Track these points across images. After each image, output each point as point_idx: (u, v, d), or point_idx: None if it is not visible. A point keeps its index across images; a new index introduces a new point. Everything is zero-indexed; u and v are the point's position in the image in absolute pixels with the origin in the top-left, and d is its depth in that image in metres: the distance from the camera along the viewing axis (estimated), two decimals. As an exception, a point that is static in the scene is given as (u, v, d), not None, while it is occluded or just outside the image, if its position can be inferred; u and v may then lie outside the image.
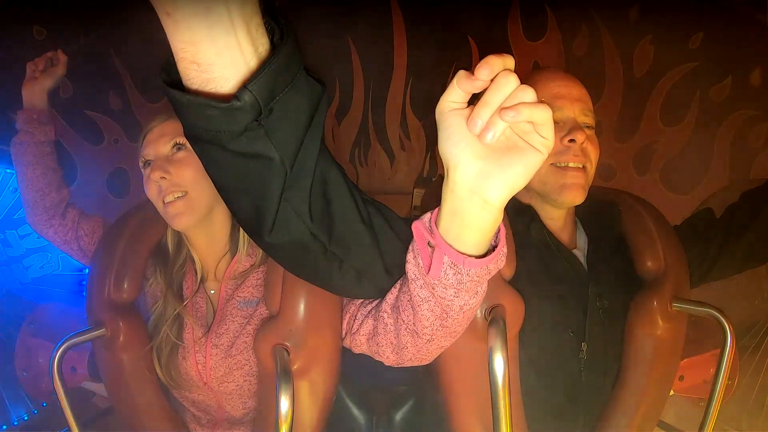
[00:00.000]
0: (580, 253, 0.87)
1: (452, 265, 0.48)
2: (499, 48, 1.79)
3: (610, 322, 0.82)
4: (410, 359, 0.63)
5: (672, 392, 0.91)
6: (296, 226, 0.47)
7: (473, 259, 0.48)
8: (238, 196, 0.46)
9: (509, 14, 1.81)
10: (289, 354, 0.70)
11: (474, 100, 0.45)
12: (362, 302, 0.69)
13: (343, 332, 0.72)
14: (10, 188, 1.68)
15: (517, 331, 0.73)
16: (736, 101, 1.72)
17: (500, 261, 0.51)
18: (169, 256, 0.88)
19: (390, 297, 0.60)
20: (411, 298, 0.54)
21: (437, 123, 0.47)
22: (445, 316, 0.54)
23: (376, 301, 0.65)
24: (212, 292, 0.87)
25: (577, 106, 0.81)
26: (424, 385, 1.03)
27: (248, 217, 0.47)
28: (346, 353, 0.75)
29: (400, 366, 0.66)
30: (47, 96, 1.01)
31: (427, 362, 0.65)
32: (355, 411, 1.06)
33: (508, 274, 0.73)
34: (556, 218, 0.86)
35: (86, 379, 1.16)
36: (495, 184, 0.44)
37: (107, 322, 0.81)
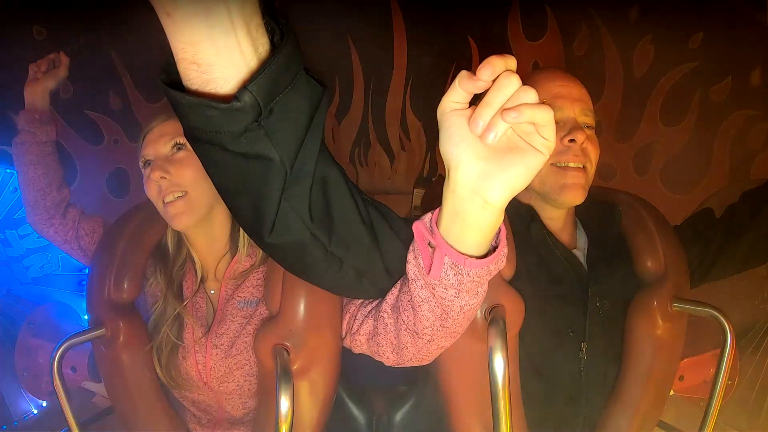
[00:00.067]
0: (580, 253, 0.87)
1: (453, 266, 0.48)
2: (499, 48, 1.80)
3: (610, 322, 0.82)
4: (410, 359, 0.63)
5: (672, 392, 0.91)
6: (296, 226, 0.47)
7: (474, 259, 0.48)
8: (238, 196, 0.46)
9: (509, 14, 1.81)
10: (289, 354, 0.70)
11: (476, 100, 0.45)
12: (362, 302, 0.69)
13: (343, 332, 0.72)
14: (10, 188, 1.68)
15: (517, 331, 0.73)
16: (736, 101, 1.72)
17: (501, 261, 0.51)
18: (169, 256, 0.88)
19: (390, 297, 0.60)
20: (411, 299, 0.54)
21: (439, 123, 0.47)
22: (445, 316, 0.54)
23: (376, 302, 0.65)
24: (212, 292, 0.87)
25: (577, 106, 0.81)
26: (424, 385, 1.03)
27: (248, 218, 0.47)
28: (346, 353, 0.75)
29: (400, 366, 0.66)
30: (49, 97, 1.01)
31: (427, 362, 0.64)
32: (355, 411, 1.06)
33: (508, 274, 0.73)
34: (556, 218, 0.86)
35: (86, 379, 1.16)
36: (496, 185, 0.44)
37: (107, 322, 0.81)
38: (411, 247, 0.53)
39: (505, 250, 0.51)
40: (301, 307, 0.70)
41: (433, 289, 0.51)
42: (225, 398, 0.85)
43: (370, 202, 0.55)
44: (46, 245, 1.61)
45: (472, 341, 0.69)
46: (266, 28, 0.39)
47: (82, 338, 0.80)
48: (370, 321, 0.66)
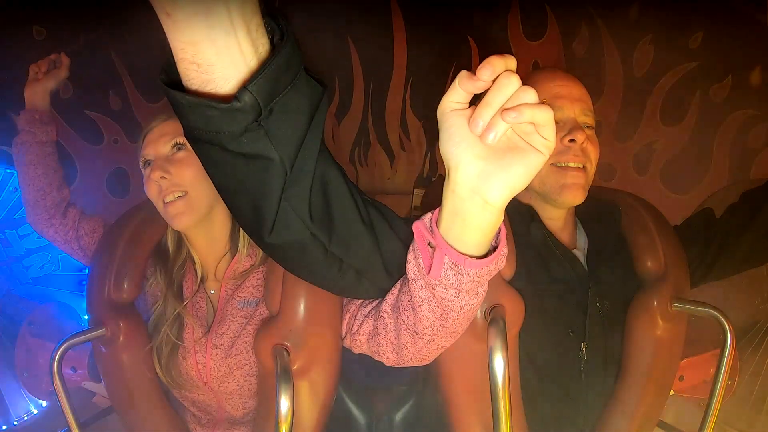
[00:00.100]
0: (580, 253, 0.87)
1: (453, 266, 0.48)
2: (499, 48, 1.80)
3: (610, 322, 0.82)
4: (410, 359, 0.63)
5: (672, 392, 0.91)
6: (296, 226, 0.47)
7: (474, 259, 0.48)
8: (237, 196, 0.46)
9: (509, 14, 1.81)
10: (289, 354, 0.70)
11: (476, 100, 0.45)
12: (362, 302, 0.69)
13: (343, 332, 0.72)
14: (10, 188, 1.68)
15: (517, 331, 0.73)
16: (736, 101, 1.72)
17: (501, 261, 0.51)
18: (169, 256, 0.88)
19: (390, 297, 0.60)
20: (411, 299, 0.54)
21: (439, 123, 0.47)
22: (445, 316, 0.54)
23: (376, 301, 0.65)
24: (212, 292, 0.87)
25: (577, 106, 0.81)
26: (424, 385, 1.03)
27: (248, 218, 0.47)
28: (346, 353, 0.75)
29: (400, 366, 0.66)
30: (49, 97, 1.01)
31: (427, 362, 0.64)
32: (355, 411, 1.06)
33: (508, 274, 0.73)
34: (556, 218, 0.86)
35: (86, 379, 1.16)
36: (496, 185, 0.44)
37: (107, 322, 0.81)
38: (411, 247, 0.53)
39: (505, 250, 0.51)
40: (301, 307, 0.70)
41: (433, 289, 0.51)
42: (225, 398, 0.85)
43: (370, 202, 0.55)
44: (46, 245, 1.61)
45: (472, 341, 0.69)
46: (266, 28, 0.39)
47: (82, 338, 0.80)
48: (370, 321, 0.66)
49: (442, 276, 0.49)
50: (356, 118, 1.89)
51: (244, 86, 0.37)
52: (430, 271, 0.50)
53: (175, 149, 0.82)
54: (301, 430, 0.73)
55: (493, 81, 0.42)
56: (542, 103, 0.42)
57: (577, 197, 0.80)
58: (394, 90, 1.87)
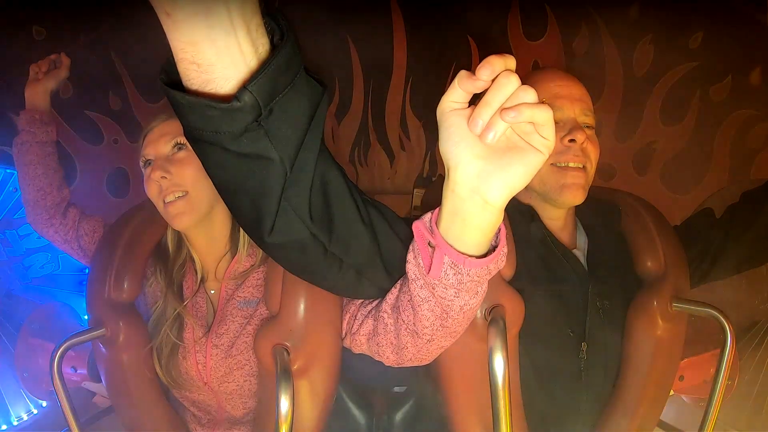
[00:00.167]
0: (580, 253, 0.87)
1: (453, 265, 0.48)
2: (499, 48, 1.80)
3: (610, 322, 0.82)
4: (410, 359, 0.63)
5: (672, 392, 0.91)
6: (296, 226, 0.47)
7: (474, 259, 0.48)
8: (238, 196, 0.46)
9: (509, 14, 1.81)
10: (289, 354, 0.70)
11: (475, 100, 0.45)
12: (362, 302, 0.69)
13: (343, 332, 0.72)
14: (10, 188, 1.68)
15: (517, 331, 0.73)
16: (736, 101, 1.72)
17: (500, 261, 0.51)
18: (169, 256, 0.88)
19: (390, 297, 0.60)
20: (411, 298, 0.54)
21: (438, 123, 0.47)
22: (445, 316, 0.54)
23: (376, 301, 0.65)
24: (212, 292, 0.87)
25: (577, 106, 0.81)
26: (424, 385, 1.03)
27: (248, 218, 0.47)
28: (346, 353, 0.75)
29: (400, 366, 0.66)
30: (49, 97, 1.01)
31: (427, 362, 0.65)
32: (355, 411, 1.06)
33: (508, 274, 0.73)
34: (556, 218, 0.86)
35: (86, 379, 1.16)
36: (495, 184, 0.44)
37: (107, 322, 0.81)
38: (411, 247, 0.53)
39: (505, 250, 0.51)
40: (301, 307, 0.70)
41: (433, 288, 0.51)
42: (225, 398, 0.85)
43: (370, 202, 0.55)
44: (46, 245, 1.61)
45: (472, 341, 0.69)
46: (266, 28, 0.39)
47: (82, 338, 0.80)
48: (370, 321, 0.66)
49: (441, 275, 0.49)
50: (356, 118, 1.89)
51: (244, 86, 0.37)
52: (429, 270, 0.50)
53: (175, 149, 0.82)
54: (301, 430, 0.73)
55: (493, 81, 0.42)
56: (541, 102, 0.42)
57: (577, 197, 0.80)
58: (394, 90, 1.87)
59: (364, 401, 1.07)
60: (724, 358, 0.79)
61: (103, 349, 0.83)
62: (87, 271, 0.90)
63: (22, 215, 1.64)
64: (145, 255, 0.87)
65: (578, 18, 1.78)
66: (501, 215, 0.47)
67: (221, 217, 0.85)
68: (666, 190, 1.81)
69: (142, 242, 0.87)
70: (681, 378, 1.13)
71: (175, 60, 0.37)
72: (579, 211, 0.91)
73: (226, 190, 0.47)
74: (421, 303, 0.53)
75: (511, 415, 0.62)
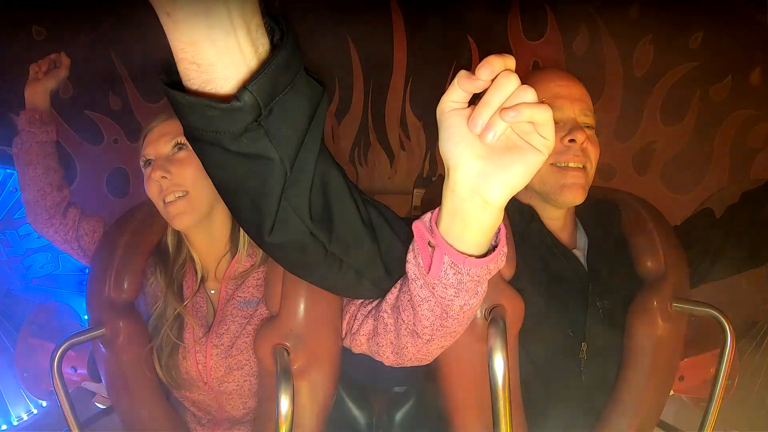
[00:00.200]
0: (580, 253, 0.87)
1: (452, 265, 0.48)
2: (499, 48, 1.80)
3: (610, 322, 0.82)
4: (410, 359, 0.63)
5: (672, 392, 0.91)
6: (296, 226, 0.47)
7: (473, 258, 0.48)
8: (237, 196, 0.46)
9: (509, 14, 1.81)
10: (289, 354, 0.70)
11: (475, 99, 0.45)
12: (362, 302, 0.69)
13: (343, 332, 0.72)
14: (10, 188, 1.68)
15: (517, 331, 0.73)
16: (736, 101, 1.73)
17: (500, 261, 0.51)
18: (169, 256, 0.88)
19: (390, 297, 0.60)
20: (411, 298, 0.54)
21: (438, 123, 0.47)
22: (445, 316, 0.54)
23: (376, 301, 0.65)
24: (212, 292, 0.87)
25: (577, 106, 0.81)
26: (424, 385, 1.03)
27: (248, 217, 0.47)
28: (346, 353, 0.75)
29: (400, 366, 0.66)
30: (49, 97, 1.01)
31: (427, 362, 0.65)
32: (355, 411, 1.06)
33: (508, 274, 0.73)
34: (556, 218, 0.86)
35: (86, 379, 1.16)
36: (495, 184, 0.44)
37: (107, 322, 0.81)
38: (411, 247, 0.53)
39: (505, 250, 0.51)
40: (301, 307, 0.70)
41: (433, 288, 0.51)
42: (225, 398, 0.85)
43: (370, 202, 0.55)
44: (46, 245, 1.61)
45: (472, 341, 0.69)
46: (266, 28, 0.39)
47: (82, 338, 0.80)
48: (370, 321, 0.66)
49: (441, 275, 0.49)
50: (356, 118, 1.89)
51: (244, 86, 0.37)
52: (429, 270, 0.50)
53: (175, 149, 0.82)
54: (301, 430, 0.73)
55: (492, 80, 0.42)
56: (541, 102, 0.42)
57: (577, 197, 0.80)
58: (394, 90, 1.87)
59: (364, 401, 1.07)
60: (724, 358, 0.79)
61: (103, 349, 0.83)
62: (87, 271, 0.90)
63: (22, 215, 1.64)
64: (145, 255, 0.87)
65: (578, 18, 1.78)
66: (501, 215, 0.47)
67: (221, 217, 0.85)
68: (666, 190, 1.81)
69: (142, 242, 0.87)
70: (681, 378, 1.13)
71: (175, 60, 0.37)
72: (579, 211, 0.91)
73: (226, 190, 0.47)
74: (421, 303, 0.53)
75: (511, 415, 0.62)
